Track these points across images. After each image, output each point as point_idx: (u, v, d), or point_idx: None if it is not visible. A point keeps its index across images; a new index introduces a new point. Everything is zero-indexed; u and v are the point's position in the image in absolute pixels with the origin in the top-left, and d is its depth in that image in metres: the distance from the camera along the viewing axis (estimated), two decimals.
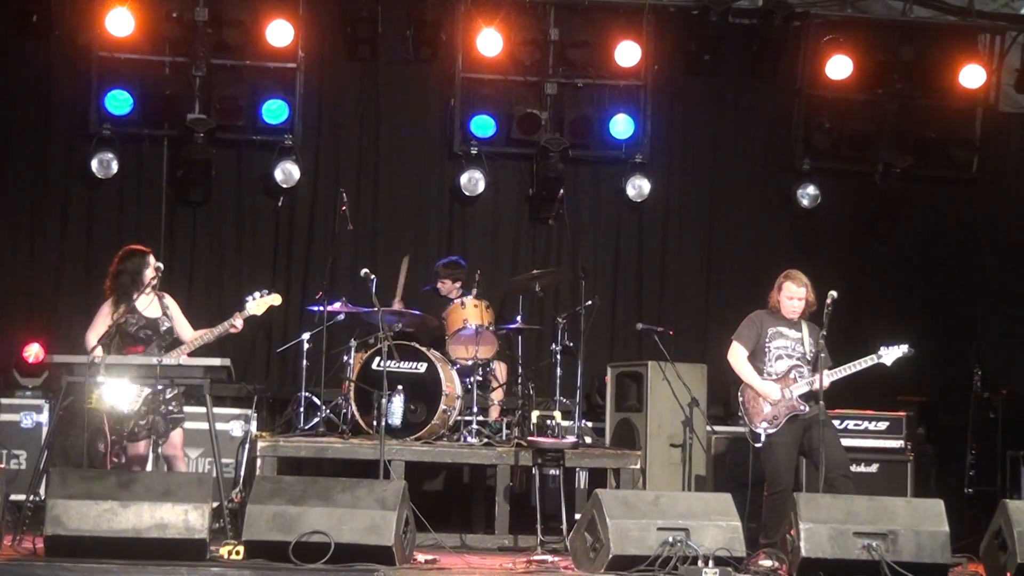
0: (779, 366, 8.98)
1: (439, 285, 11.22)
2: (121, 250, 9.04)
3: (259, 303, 8.96)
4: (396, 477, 9.27)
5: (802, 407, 8.87)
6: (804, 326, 9.09)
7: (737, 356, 9.08)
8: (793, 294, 8.99)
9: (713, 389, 10.75)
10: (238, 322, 8.84)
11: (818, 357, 8.78)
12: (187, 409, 10.11)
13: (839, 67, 12.36)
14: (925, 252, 12.82)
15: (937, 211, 12.85)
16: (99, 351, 8.41)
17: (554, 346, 10.74)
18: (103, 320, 8.73)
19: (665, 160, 12.79)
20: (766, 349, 9.02)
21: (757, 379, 8.96)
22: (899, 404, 10.92)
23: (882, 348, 8.96)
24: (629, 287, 12.83)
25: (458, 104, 12.38)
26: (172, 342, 8.83)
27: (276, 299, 9.04)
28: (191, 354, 8.73)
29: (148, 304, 8.84)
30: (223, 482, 8.58)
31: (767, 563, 8.37)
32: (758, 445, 8.90)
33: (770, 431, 8.86)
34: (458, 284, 11.13)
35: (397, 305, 10.93)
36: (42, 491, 8.36)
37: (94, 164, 11.85)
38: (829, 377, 8.86)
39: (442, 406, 10.00)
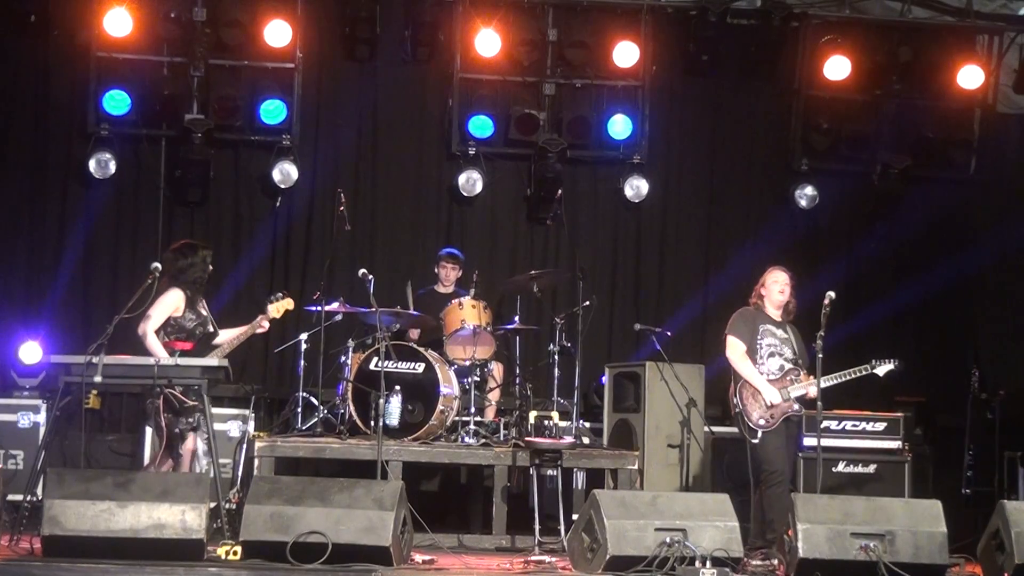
0: (771, 364, 8.99)
1: (439, 270, 11.25)
2: (179, 243, 9.05)
3: (276, 306, 9.19)
4: (393, 477, 9.26)
5: (796, 409, 8.94)
6: (789, 329, 9.13)
7: (737, 352, 9.01)
8: (778, 279, 9.04)
9: (711, 390, 10.71)
10: (265, 323, 9.10)
11: (815, 359, 8.75)
12: None
13: (837, 68, 12.35)
14: (923, 253, 12.81)
15: (935, 212, 12.83)
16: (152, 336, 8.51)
17: (552, 346, 10.74)
18: (166, 311, 8.65)
19: (663, 161, 12.77)
20: (758, 346, 9.02)
21: (760, 379, 8.92)
22: (897, 405, 10.91)
23: (875, 360, 9.01)
24: (627, 288, 12.83)
25: (456, 104, 12.37)
26: (207, 340, 8.86)
27: (289, 303, 9.30)
28: None
29: (200, 301, 8.89)
30: (221, 482, 8.56)
31: (758, 562, 8.44)
32: (755, 441, 8.88)
33: (767, 429, 8.88)
34: (458, 274, 11.15)
35: (413, 333, 10.94)
36: (39, 491, 8.35)
37: (92, 164, 11.85)
38: (824, 383, 8.85)
39: (440, 406, 9.99)
